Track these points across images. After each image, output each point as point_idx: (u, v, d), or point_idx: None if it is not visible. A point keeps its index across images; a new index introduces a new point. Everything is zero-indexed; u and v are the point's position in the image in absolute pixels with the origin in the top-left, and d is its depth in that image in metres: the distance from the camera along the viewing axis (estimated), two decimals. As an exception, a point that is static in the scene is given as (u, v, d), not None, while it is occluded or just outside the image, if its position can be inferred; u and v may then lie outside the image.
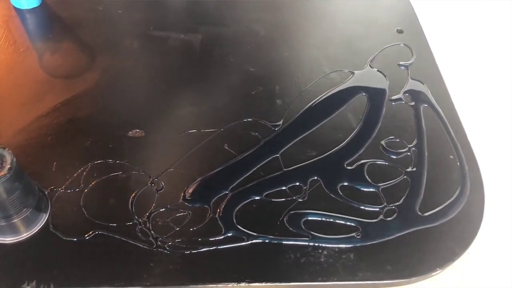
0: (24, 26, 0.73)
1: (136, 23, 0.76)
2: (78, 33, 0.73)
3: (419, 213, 0.59)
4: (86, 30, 0.74)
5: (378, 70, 0.74)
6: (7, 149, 0.47)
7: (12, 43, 0.70)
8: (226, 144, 0.62)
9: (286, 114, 0.66)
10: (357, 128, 0.66)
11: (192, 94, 0.67)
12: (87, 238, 0.52)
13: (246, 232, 0.55)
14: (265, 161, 0.61)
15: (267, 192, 0.58)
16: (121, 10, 0.77)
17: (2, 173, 0.45)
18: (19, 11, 0.73)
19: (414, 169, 0.63)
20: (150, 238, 0.53)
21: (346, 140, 0.65)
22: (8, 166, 0.46)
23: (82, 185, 0.56)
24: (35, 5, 0.73)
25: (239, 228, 0.55)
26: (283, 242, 0.55)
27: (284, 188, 0.59)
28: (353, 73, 0.73)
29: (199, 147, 0.61)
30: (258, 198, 0.58)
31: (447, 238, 0.58)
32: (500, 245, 1.31)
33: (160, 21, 0.77)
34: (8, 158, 0.46)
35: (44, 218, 0.53)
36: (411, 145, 0.66)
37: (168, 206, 0.55)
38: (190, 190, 0.57)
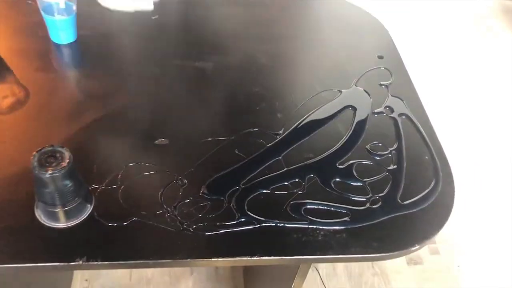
0: (63, 57, 0.87)
1: (156, 53, 0.89)
2: (108, 62, 0.86)
3: (400, 201, 0.71)
4: (114, 59, 0.87)
5: (363, 89, 0.88)
6: (65, 148, 0.59)
7: (54, 71, 0.83)
8: (236, 150, 0.74)
9: (285, 125, 0.79)
10: (346, 135, 0.79)
11: (206, 110, 0.80)
12: (125, 224, 0.63)
13: (256, 218, 0.66)
14: (269, 162, 0.73)
15: (272, 186, 0.70)
16: (143, 43, 0.91)
17: (63, 165, 0.57)
18: (58, 45, 0.87)
19: (395, 167, 0.75)
20: (177, 223, 0.64)
21: (337, 145, 0.77)
22: (67, 160, 0.57)
23: (119, 183, 0.67)
24: (72, 41, 0.87)
25: (250, 215, 0.66)
26: (287, 225, 0.66)
27: (286, 183, 0.71)
28: (341, 91, 0.86)
29: (214, 151, 0.73)
30: (265, 191, 0.69)
31: (423, 221, 0.69)
32: (467, 228, 1.59)
33: (176, 52, 0.91)
34: (66, 154, 0.58)
35: (90, 209, 0.64)
36: (391, 148, 0.78)
37: (191, 198, 0.67)
38: (208, 185, 0.69)
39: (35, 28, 0.87)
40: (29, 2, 0.91)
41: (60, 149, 0.59)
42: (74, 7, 0.84)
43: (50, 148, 0.58)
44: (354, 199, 0.70)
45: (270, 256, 0.63)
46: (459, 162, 1.68)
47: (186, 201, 0.67)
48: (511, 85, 2.30)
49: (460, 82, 2.28)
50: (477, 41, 2.56)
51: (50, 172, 0.56)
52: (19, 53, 0.85)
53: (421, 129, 0.82)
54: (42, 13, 0.83)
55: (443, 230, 0.69)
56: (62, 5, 0.83)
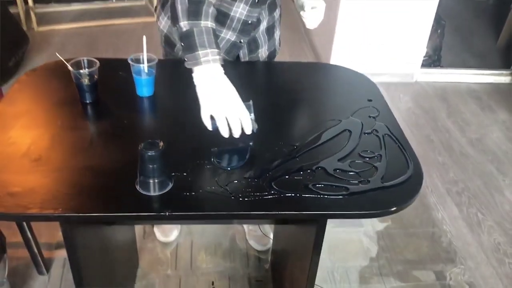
0: (144, 104, 1.25)
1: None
2: (171, 108, 1.23)
3: (382, 182, 1.00)
4: (180, 105, 1.24)
5: (357, 119, 1.21)
6: (160, 140, 0.93)
7: (140, 112, 1.21)
8: (266, 154, 1.07)
9: (301, 139, 1.12)
10: (344, 145, 1.11)
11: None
12: (193, 193, 0.95)
13: (280, 191, 0.97)
14: (289, 161, 1.05)
15: (292, 174, 1.01)
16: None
17: (160, 146, 0.91)
18: (141, 97, 1.25)
19: (379, 163, 1.06)
20: (228, 193, 0.95)
21: (338, 150, 1.09)
22: (161, 145, 0.92)
23: (189, 171, 1.00)
24: (150, 94, 1.26)
25: (276, 188, 0.97)
26: (302, 195, 0.96)
27: (301, 172, 1.02)
28: (340, 120, 1.20)
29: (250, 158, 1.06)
30: (287, 176, 1.01)
31: (399, 195, 0.99)
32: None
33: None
34: (160, 144, 0.92)
35: (171, 185, 0.96)
36: (377, 153, 1.09)
37: (237, 180, 0.99)
38: (248, 173, 1.01)
39: (126, 87, 1.26)
40: (121, 73, 1.32)
41: (157, 140, 0.93)
42: (154, 71, 1.24)
43: (150, 140, 0.93)
44: (350, 181, 1.01)
45: (291, 211, 0.93)
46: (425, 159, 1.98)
47: (234, 181, 0.98)
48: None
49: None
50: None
51: (151, 151, 0.90)
52: (116, 102, 1.23)
53: (398, 141, 1.14)
54: (134, 74, 1.23)
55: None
56: (146, 70, 1.23)
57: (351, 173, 1.03)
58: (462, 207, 2.20)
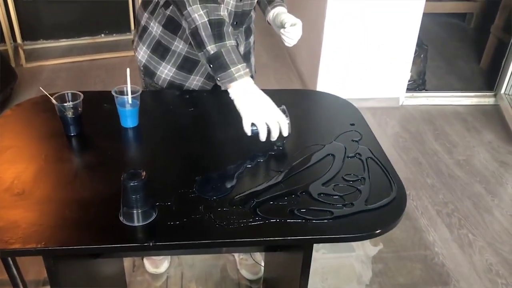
0: (129, 136, 1.25)
1: (195, 131, 1.27)
2: (156, 139, 1.24)
3: (366, 205, 1.01)
4: (166, 136, 1.25)
5: (340, 143, 1.23)
6: (143, 170, 0.93)
7: (124, 144, 1.21)
8: (250, 180, 1.07)
9: (284, 165, 1.13)
10: (328, 169, 1.12)
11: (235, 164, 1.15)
12: (178, 223, 0.95)
13: (265, 217, 0.97)
14: (274, 187, 1.05)
15: (276, 200, 1.01)
16: (185, 126, 1.29)
17: (143, 176, 0.91)
18: (125, 128, 1.26)
19: (363, 186, 1.07)
20: (213, 221, 0.95)
21: (322, 174, 1.10)
22: (143, 175, 0.92)
23: (172, 200, 1.00)
24: (135, 125, 1.26)
25: (261, 215, 0.97)
26: (287, 221, 0.96)
27: (286, 197, 1.02)
28: (324, 145, 1.21)
29: (237, 183, 1.07)
30: (271, 202, 1.01)
31: (383, 217, 0.99)
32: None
33: (208, 131, 1.29)
34: (143, 173, 0.93)
35: (154, 215, 0.96)
36: (360, 176, 1.10)
37: (222, 208, 0.99)
38: (232, 202, 1.01)
39: (110, 119, 1.27)
40: (105, 105, 1.33)
41: (139, 170, 0.93)
42: (138, 102, 1.25)
43: (133, 170, 0.93)
44: (334, 205, 1.01)
45: (276, 237, 0.93)
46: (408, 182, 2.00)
47: (218, 209, 0.98)
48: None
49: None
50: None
51: (133, 182, 0.90)
52: (101, 134, 1.24)
53: (381, 165, 1.15)
54: (118, 106, 1.24)
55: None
56: (130, 101, 1.24)
57: (335, 196, 1.04)
58: (452, 228, 2.20)
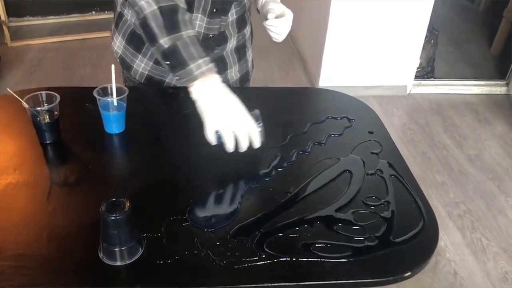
0: (114, 143, 1.08)
1: (189, 138, 1.11)
2: (146, 147, 1.07)
3: (392, 239, 0.85)
4: (156, 144, 1.08)
5: (358, 157, 1.06)
6: (126, 198, 0.77)
7: (108, 153, 1.04)
8: (255, 204, 0.91)
9: (294, 184, 0.96)
10: (345, 191, 0.96)
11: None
12: (169, 261, 0.79)
13: (274, 254, 0.81)
14: (283, 213, 0.90)
15: (286, 231, 0.86)
16: (179, 131, 1.12)
17: (124, 210, 0.75)
18: (110, 135, 1.09)
19: (387, 213, 0.91)
20: (211, 259, 0.79)
21: (338, 198, 0.94)
22: (127, 206, 0.75)
23: (163, 231, 0.84)
24: (121, 131, 1.09)
25: (268, 252, 0.81)
26: (300, 259, 0.81)
27: (297, 228, 0.87)
28: (339, 159, 1.05)
29: (239, 206, 0.91)
30: (280, 234, 0.85)
31: (413, 255, 0.84)
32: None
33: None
34: (126, 203, 0.76)
35: (141, 251, 0.80)
36: (383, 200, 0.94)
37: (220, 241, 0.83)
38: (234, 232, 0.85)
39: (93, 123, 1.10)
40: (87, 104, 1.15)
41: (122, 200, 0.77)
42: (125, 105, 1.08)
43: (114, 200, 0.77)
44: (354, 238, 0.85)
45: (287, 282, 0.77)
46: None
47: (217, 243, 0.83)
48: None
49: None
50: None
51: (114, 215, 0.74)
52: (82, 142, 1.06)
53: (407, 185, 0.99)
54: (100, 109, 1.06)
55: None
56: (115, 103, 1.07)
57: (356, 226, 0.88)
58: (465, 232, 2.07)
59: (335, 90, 1.34)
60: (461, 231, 2.07)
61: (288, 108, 1.26)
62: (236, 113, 0.95)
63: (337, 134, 1.13)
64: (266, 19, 1.16)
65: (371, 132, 1.15)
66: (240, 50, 1.30)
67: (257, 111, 0.99)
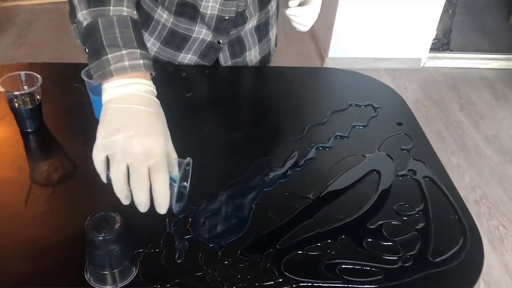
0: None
1: (193, 127, 0.96)
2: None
3: (431, 259, 0.73)
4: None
5: (385, 154, 0.92)
6: (117, 212, 0.64)
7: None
8: (270, 213, 0.78)
9: (314, 188, 0.83)
10: (373, 197, 0.83)
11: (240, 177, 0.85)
12: (168, 286, 0.66)
13: (292, 278, 0.68)
14: (302, 224, 0.77)
15: (306, 247, 0.73)
16: (180, 118, 0.98)
17: (115, 228, 0.62)
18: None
19: (423, 226, 0.78)
20: (218, 284, 0.67)
21: (366, 206, 0.81)
22: (118, 223, 0.62)
23: (161, 246, 0.71)
24: (114, 118, 0.95)
25: (286, 275, 0.69)
26: (322, 285, 0.68)
27: (319, 244, 0.74)
28: (364, 156, 0.91)
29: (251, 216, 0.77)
30: (300, 252, 0.72)
31: (456, 279, 0.71)
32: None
33: (211, 126, 0.98)
34: (117, 218, 0.63)
35: (135, 272, 0.68)
36: (418, 209, 0.81)
37: (230, 260, 0.70)
38: (245, 248, 0.72)
39: (81, 108, 0.96)
40: (76, 85, 1.01)
41: (112, 213, 0.64)
42: (118, 88, 0.93)
43: (103, 214, 0.64)
44: (385, 258, 0.73)
45: (308, 314, 0.65)
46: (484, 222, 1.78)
47: (225, 262, 0.70)
48: (528, 149, 2.33)
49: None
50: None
51: (103, 235, 0.61)
52: (68, 131, 0.93)
53: (445, 190, 0.85)
54: (90, 93, 0.92)
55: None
56: (107, 86, 0.92)
57: (387, 242, 0.75)
58: (481, 219, 1.95)
59: (357, 72, 1.19)
60: (477, 218, 1.95)
61: (304, 93, 1.11)
62: (147, 144, 0.61)
63: (362, 125, 0.99)
64: (288, 6, 0.99)
65: (400, 124, 1.01)
66: (262, 29, 1.14)
67: (187, 160, 0.67)
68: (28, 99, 0.89)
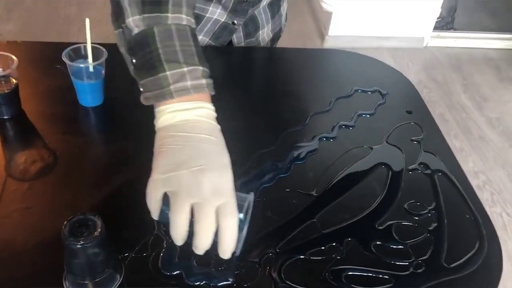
0: (90, 121, 0.87)
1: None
2: (134, 125, 0.86)
3: (445, 265, 0.66)
4: (141, 122, 0.86)
5: (394, 145, 0.85)
6: (97, 216, 0.57)
7: (81, 135, 0.82)
8: (269, 211, 0.71)
9: (317, 184, 0.76)
10: (382, 194, 0.76)
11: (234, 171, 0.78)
12: (157, 295, 0.60)
13: (294, 287, 0.62)
14: (304, 225, 0.70)
15: (309, 251, 0.66)
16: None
17: (95, 234, 0.55)
18: (85, 109, 0.87)
19: (436, 227, 0.71)
20: (212, 293, 0.60)
21: (373, 205, 0.74)
22: (99, 229, 0.55)
23: (149, 250, 0.65)
24: (99, 104, 0.87)
25: (287, 283, 0.62)
26: (327, 294, 0.62)
27: (323, 247, 0.67)
28: (372, 148, 0.84)
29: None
30: (302, 256, 0.66)
31: (473, 287, 0.65)
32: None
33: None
34: (98, 223, 0.56)
35: (120, 279, 0.61)
36: (430, 207, 0.74)
37: (224, 265, 0.64)
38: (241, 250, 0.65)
39: (63, 92, 0.88)
40: (58, 66, 0.92)
41: (92, 217, 0.56)
42: (103, 71, 0.85)
43: (81, 217, 0.56)
44: (396, 264, 0.66)
45: (311, 329, 0.59)
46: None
47: (220, 268, 0.63)
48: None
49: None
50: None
51: (81, 242, 0.54)
52: (48, 117, 0.85)
53: (459, 186, 0.79)
54: (72, 77, 0.84)
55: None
56: (91, 69, 0.84)
57: (397, 246, 0.69)
58: (484, 206, 1.89)
59: (363, 54, 1.11)
60: (480, 204, 1.90)
61: (306, 77, 1.03)
62: (216, 181, 0.53)
63: (368, 114, 0.92)
64: None
65: (409, 112, 0.93)
66: (274, 5, 1.05)
67: (250, 196, 0.60)
68: (3, 82, 0.81)
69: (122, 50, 0.66)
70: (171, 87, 0.56)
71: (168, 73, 0.56)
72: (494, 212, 1.87)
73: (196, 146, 0.55)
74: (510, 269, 1.67)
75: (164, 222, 0.57)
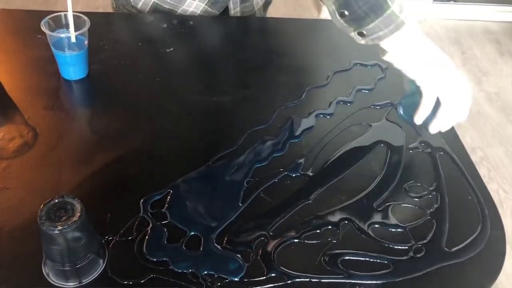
0: (73, 95, 0.82)
1: (173, 90, 0.84)
2: (120, 100, 0.81)
3: (446, 249, 0.63)
4: (127, 97, 0.82)
5: (394, 122, 0.81)
6: (76, 199, 0.53)
7: (64, 110, 0.78)
8: (262, 193, 0.68)
9: (313, 163, 0.72)
10: (380, 174, 0.72)
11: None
12: (142, 281, 0.57)
13: (287, 272, 0.59)
14: (298, 207, 0.66)
15: (303, 235, 0.63)
16: (158, 78, 0.85)
17: (74, 219, 0.51)
18: (68, 82, 0.82)
19: (437, 209, 0.68)
20: (200, 280, 0.57)
21: (372, 185, 0.70)
22: (78, 213, 0.51)
23: (134, 233, 0.61)
24: (82, 76, 0.82)
25: (280, 269, 0.59)
26: (322, 280, 0.59)
27: (318, 231, 0.64)
28: (370, 125, 0.80)
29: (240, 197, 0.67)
30: (296, 240, 0.62)
31: (475, 272, 0.62)
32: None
33: (194, 88, 0.85)
34: (78, 206, 0.52)
35: (103, 265, 0.58)
36: (431, 188, 0.71)
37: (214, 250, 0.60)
38: (233, 233, 0.62)
39: (44, 64, 0.83)
40: (39, 36, 0.87)
41: (70, 200, 0.53)
42: (86, 42, 0.79)
43: (60, 199, 0.52)
44: (395, 248, 0.63)
45: (305, 316, 0.56)
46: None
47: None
48: (532, 108, 2.23)
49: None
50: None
51: (59, 227, 0.50)
52: (27, 91, 0.80)
53: (461, 165, 0.75)
54: (52, 48, 0.78)
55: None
56: (73, 39, 0.78)
57: (396, 229, 0.65)
58: (481, 182, 1.87)
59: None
60: (477, 181, 1.88)
61: (302, 49, 0.98)
62: (456, 77, 0.71)
63: (368, 89, 0.87)
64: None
65: (410, 87, 0.89)
66: None
67: None
68: (-22, 53, 0.75)
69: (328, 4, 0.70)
70: (401, 17, 0.64)
71: (393, 8, 0.63)
72: (491, 189, 1.83)
73: (439, 55, 0.72)
74: (507, 248, 1.66)
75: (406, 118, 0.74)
